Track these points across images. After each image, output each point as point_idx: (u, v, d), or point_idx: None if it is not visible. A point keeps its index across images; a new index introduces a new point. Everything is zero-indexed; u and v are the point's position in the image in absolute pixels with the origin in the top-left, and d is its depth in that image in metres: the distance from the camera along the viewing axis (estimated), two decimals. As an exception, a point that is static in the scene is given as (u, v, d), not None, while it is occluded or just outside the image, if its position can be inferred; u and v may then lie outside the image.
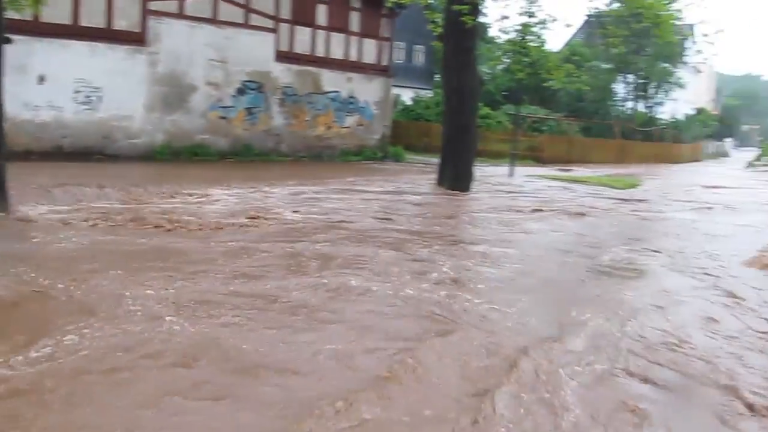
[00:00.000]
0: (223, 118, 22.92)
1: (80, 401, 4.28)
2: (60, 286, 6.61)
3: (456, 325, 6.32)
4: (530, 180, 22.90)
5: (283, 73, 24.23)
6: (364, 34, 26.47)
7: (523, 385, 4.95)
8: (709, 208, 18.23)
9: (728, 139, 74.26)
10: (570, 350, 5.81)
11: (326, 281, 7.48)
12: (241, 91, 23.25)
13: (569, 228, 13.35)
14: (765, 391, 5.20)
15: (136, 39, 20.67)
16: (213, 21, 22.22)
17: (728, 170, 40.62)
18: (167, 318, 5.85)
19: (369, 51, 26.77)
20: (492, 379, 5.03)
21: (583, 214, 15.33)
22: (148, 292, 6.55)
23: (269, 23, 23.58)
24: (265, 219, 11.48)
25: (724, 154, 65.83)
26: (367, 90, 26.87)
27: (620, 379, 5.31)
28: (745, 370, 5.63)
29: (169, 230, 9.97)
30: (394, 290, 7.30)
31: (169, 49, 21.34)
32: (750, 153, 53.88)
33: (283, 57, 24.13)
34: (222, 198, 13.74)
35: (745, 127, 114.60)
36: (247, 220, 11.28)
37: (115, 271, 7.22)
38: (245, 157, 22.93)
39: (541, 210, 15.37)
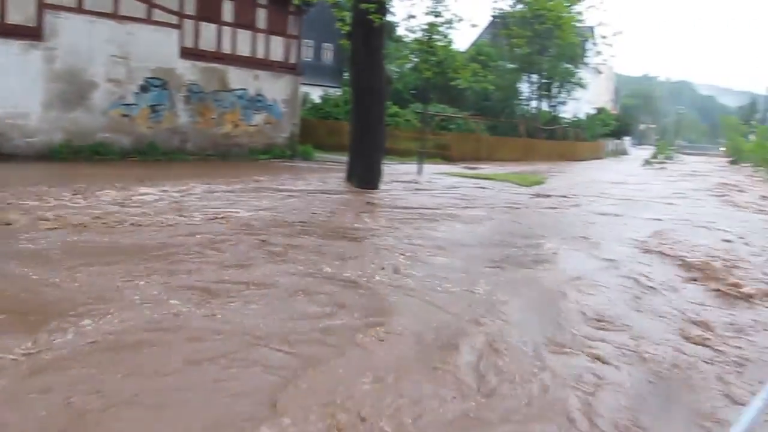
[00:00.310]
0: (126, 116, 22.21)
1: (124, 369, 4.95)
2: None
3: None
4: (438, 177, 23.18)
5: (188, 70, 23.69)
6: (272, 31, 26.16)
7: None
8: (611, 202, 19.02)
9: (627, 138, 77.10)
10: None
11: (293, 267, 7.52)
12: (144, 89, 22.58)
13: (474, 224, 13.55)
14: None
15: (31, 34, 19.79)
16: (114, 16, 21.49)
17: (627, 167, 42.33)
18: (171, 302, 6.53)
19: (276, 48, 26.48)
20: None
21: (490, 210, 15.63)
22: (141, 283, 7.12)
23: (173, 19, 23.01)
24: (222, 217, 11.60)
25: (624, 152, 68.38)
26: (275, 88, 26.58)
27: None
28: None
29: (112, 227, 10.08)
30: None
31: (68, 45, 20.53)
32: (647, 151, 56.17)
33: (188, 54, 23.60)
34: (147, 196, 13.44)
35: (642, 126, 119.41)
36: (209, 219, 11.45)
37: (97, 267, 7.60)
38: (150, 156, 22.28)
39: (448, 206, 15.57)
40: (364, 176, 18.26)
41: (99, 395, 4.49)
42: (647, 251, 11.49)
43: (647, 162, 43.90)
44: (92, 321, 5.83)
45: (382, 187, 18.38)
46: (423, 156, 25.24)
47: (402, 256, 9.48)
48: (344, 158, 20.24)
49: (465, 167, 28.78)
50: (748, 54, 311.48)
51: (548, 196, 20.27)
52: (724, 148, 67.52)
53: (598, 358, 5.94)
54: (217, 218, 11.48)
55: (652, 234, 13.41)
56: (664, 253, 11.29)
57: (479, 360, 5.66)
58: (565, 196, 20.28)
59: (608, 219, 15.72)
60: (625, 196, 21.35)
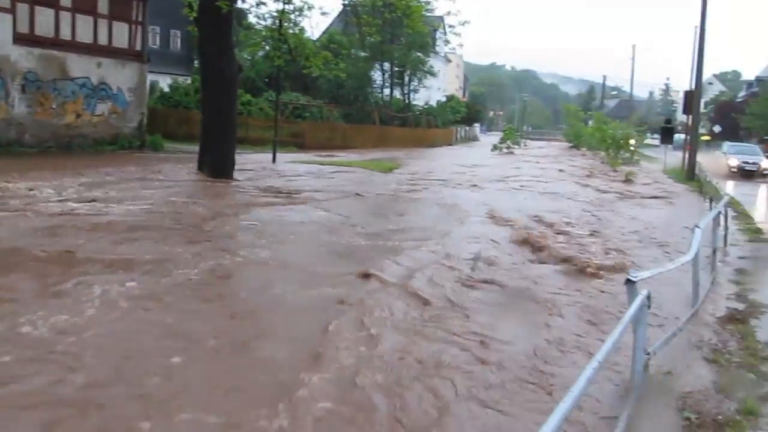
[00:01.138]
0: (-47, 106, 20.69)
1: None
2: None
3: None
4: (293, 166, 23.12)
5: (23, 57, 22.27)
6: (114, 16, 25.02)
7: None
8: (461, 181, 19.74)
9: (477, 124, 79.69)
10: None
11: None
12: (-27, 77, 21.10)
13: (324, 210, 13.68)
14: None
15: None
16: (-63, -1, 19.94)
17: (477, 152, 43.90)
18: None
19: (120, 35, 25.38)
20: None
21: (344, 195, 15.82)
22: None
23: (5, 2, 21.52)
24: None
25: (474, 138, 70.67)
26: (120, 76, 25.49)
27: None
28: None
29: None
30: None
31: None
32: (496, 137, 58.25)
33: (23, 40, 22.18)
34: None
35: (491, 113, 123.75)
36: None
37: None
38: (-19, 149, 20.84)
39: (301, 192, 15.64)
40: (216, 166, 17.94)
41: None
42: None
43: (495, 147, 45.55)
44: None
45: (236, 176, 18.13)
46: (277, 145, 25.07)
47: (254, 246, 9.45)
48: (196, 148, 19.77)
49: (320, 155, 28.85)
50: (586, 44, 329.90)
51: (405, 179, 20.71)
52: (565, 134, 71.10)
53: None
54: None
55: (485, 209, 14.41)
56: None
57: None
58: (416, 179, 20.80)
59: (454, 197, 16.30)
60: (471, 179, 22.15)
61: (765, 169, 32.63)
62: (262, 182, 17.85)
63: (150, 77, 29.02)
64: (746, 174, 32.00)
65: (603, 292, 8.31)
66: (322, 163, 24.76)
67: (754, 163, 32.92)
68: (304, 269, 8.53)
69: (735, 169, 32.46)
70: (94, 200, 12.58)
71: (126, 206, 12.22)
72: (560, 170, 29.35)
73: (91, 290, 6.82)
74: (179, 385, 4.86)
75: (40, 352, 5.26)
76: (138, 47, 26.17)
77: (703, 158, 29.93)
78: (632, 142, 37.66)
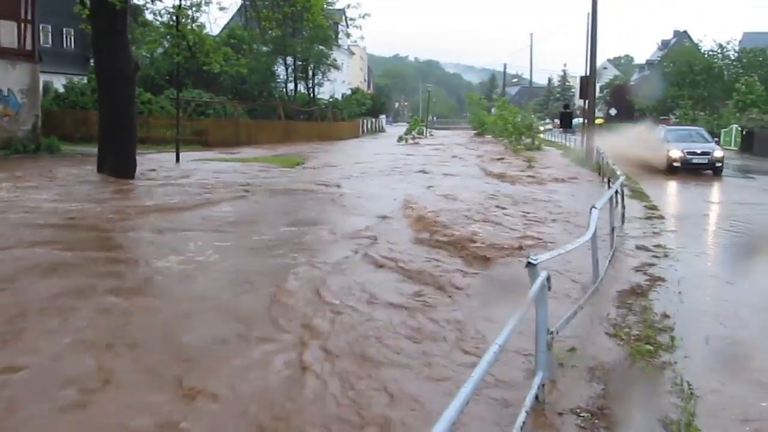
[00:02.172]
0: None
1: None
2: None
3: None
4: (197, 164, 22.70)
5: None
6: (1, 15, 23.93)
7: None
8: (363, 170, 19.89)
9: (383, 116, 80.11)
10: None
11: None
12: None
13: (230, 207, 13.56)
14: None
15: None
16: None
17: (383, 144, 44.20)
18: None
19: (8, 34, 24.28)
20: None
21: (246, 193, 15.73)
22: None
23: None
24: None
25: (381, 130, 71.03)
26: (10, 77, 24.39)
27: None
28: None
29: None
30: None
31: None
32: (402, 128, 58.80)
33: None
34: None
35: (396, 104, 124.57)
36: None
37: None
38: None
39: (203, 193, 15.44)
40: (116, 167, 17.48)
41: None
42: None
43: (401, 138, 45.98)
44: None
45: (137, 177, 17.69)
46: (180, 143, 24.54)
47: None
48: (95, 150, 19.15)
49: (225, 152, 28.45)
50: (487, 33, 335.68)
51: (308, 174, 20.69)
52: (470, 122, 72.27)
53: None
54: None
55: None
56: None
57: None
58: (319, 173, 20.83)
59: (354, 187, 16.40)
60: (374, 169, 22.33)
61: (718, 161, 23.88)
62: (164, 183, 17.46)
63: (43, 77, 27.94)
64: (694, 168, 23.74)
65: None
66: (226, 161, 24.42)
67: (703, 154, 23.92)
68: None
69: (677, 163, 23.70)
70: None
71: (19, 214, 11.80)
72: (453, 156, 30.00)
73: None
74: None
75: None
76: (29, 46, 25.10)
77: (634, 145, 25.14)
78: (534, 127, 38.75)
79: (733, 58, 57.63)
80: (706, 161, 23.83)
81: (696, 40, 66.45)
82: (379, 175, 21.04)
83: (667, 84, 57.77)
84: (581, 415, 4.66)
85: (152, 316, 6.65)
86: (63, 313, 6.48)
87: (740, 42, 60.49)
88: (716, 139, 25.24)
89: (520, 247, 9.88)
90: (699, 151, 23.90)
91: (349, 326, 6.41)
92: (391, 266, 8.79)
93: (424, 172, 22.43)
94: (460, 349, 5.91)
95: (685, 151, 23.80)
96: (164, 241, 9.98)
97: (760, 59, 54.37)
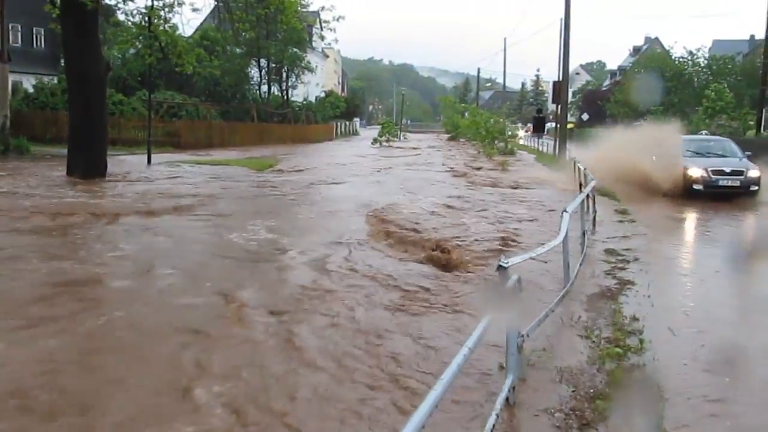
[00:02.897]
0: None
1: None
2: None
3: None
4: (169, 167, 22.52)
5: None
6: (-31, 14, 23.59)
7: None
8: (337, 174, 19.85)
9: (357, 119, 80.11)
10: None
11: None
12: None
13: (202, 210, 13.48)
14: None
15: None
16: None
17: (357, 146, 44.22)
18: None
19: (-24, 33, 23.94)
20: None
21: (219, 195, 15.67)
22: None
23: None
24: None
25: (355, 133, 71.05)
26: (-22, 77, 24.06)
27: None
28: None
29: None
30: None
31: None
32: (376, 130, 58.88)
33: None
34: None
35: (370, 107, 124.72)
36: None
37: None
38: None
39: (175, 197, 15.31)
40: (86, 168, 17.29)
41: None
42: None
43: (375, 141, 46.04)
44: None
45: (108, 179, 17.52)
46: (152, 145, 24.32)
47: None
48: (65, 151, 18.91)
49: (197, 155, 28.26)
50: (461, 37, 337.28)
51: (278, 178, 20.64)
52: (444, 126, 72.56)
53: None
54: None
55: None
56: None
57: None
58: (291, 177, 20.79)
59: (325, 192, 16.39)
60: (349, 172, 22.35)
61: (754, 182, 17.57)
62: (135, 185, 17.28)
63: (12, 77, 27.52)
64: (720, 194, 17.41)
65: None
66: (198, 163, 24.24)
67: (734, 174, 17.69)
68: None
69: (699, 185, 17.65)
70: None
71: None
72: (428, 162, 30.01)
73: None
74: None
75: None
76: (-3, 46, 24.72)
77: (635, 159, 18.98)
78: (508, 132, 38.95)
79: (702, 65, 58.32)
80: (738, 183, 17.55)
81: (667, 47, 67.11)
82: (352, 179, 21.00)
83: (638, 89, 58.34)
84: (554, 415, 4.70)
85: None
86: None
87: (710, 49, 61.28)
88: (748, 153, 18.75)
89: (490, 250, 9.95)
90: (728, 170, 17.74)
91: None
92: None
93: (393, 175, 22.45)
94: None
95: (709, 169, 17.67)
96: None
97: (729, 67, 55.12)
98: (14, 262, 8.40)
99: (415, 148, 42.75)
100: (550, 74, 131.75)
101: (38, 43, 43.01)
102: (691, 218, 15.91)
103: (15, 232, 10.24)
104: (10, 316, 6.37)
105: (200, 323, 6.42)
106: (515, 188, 19.97)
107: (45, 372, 5.11)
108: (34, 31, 42.23)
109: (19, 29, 39.39)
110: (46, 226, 10.87)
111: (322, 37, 44.47)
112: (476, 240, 10.97)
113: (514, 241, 10.97)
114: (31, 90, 34.79)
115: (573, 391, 5.12)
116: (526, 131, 61.32)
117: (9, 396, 4.66)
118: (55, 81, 35.91)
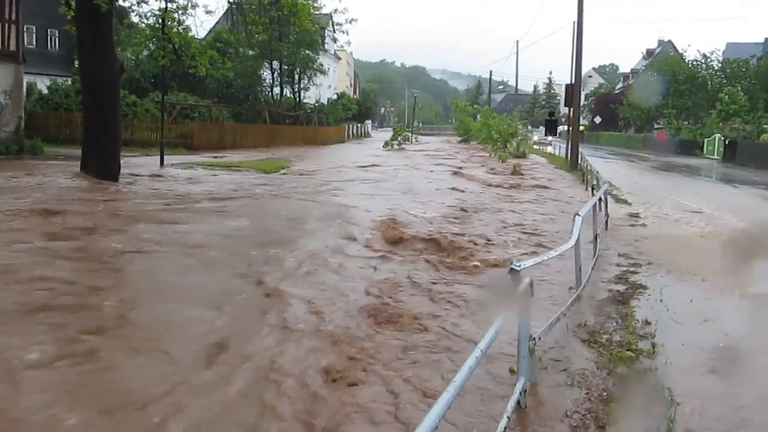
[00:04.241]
0: None
1: None
2: None
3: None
4: (181, 168, 22.60)
5: None
6: (-16, 15, 23.76)
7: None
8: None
9: (369, 121, 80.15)
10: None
11: None
12: None
13: (216, 214, 13.49)
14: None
15: None
16: None
17: (368, 149, 44.16)
18: None
19: (-8, 35, 24.12)
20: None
21: (230, 198, 15.70)
22: None
23: None
24: None
25: (367, 135, 71.10)
26: (-6, 78, 24.22)
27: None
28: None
29: None
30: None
31: None
32: (388, 133, 58.94)
33: None
34: None
35: (382, 110, 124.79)
36: None
37: None
38: None
39: (188, 197, 15.38)
40: (100, 169, 17.39)
41: None
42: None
43: (387, 143, 46.02)
44: None
45: (122, 180, 17.59)
46: (164, 146, 24.43)
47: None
48: (79, 152, 19.03)
49: (210, 156, 28.35)
50: (473, 40, 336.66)
51: (289, 179, 20.66)
52: (455, 129, 72.49)
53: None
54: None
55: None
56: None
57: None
58: (301, 178, 20.80)
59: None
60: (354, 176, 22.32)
61: None
62: (149, 186, 17.35)
63: (27, 78, 27.72)
64: None
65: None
66: (211, 165, 24.31)
67: None
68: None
69: None
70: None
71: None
72: (437, 164, 29.91)
73: None
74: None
75: None
76: (12, 47, 24.87)
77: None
78: (519, 135, 38.86)
79: (716, 68, 58.01)
80: None
81: (680, 50, 66.82)
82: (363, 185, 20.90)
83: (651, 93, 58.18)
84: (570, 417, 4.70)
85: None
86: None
87: (723, 52, 61.00)
88: None
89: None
90: None
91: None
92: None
93: (408, 182, 22.36)
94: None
95: None
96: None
97: (743, 70, 54.81)
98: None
99: (427, 151, 42.59)
100: (563, 77, 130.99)
101: (53, 45, 43.32)
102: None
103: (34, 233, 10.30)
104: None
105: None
106: (525, 190, 19.91)
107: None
108: (49, 33, 42.55)
109: (34, 31, 39.70)
110: (50, 231, 10.91)
111: (335, 40, 44.65)
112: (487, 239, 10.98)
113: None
114: (45, 91, 35.02)
115: (586, 394, 5.11)
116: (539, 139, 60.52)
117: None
118: (69, 82, 36.13)
